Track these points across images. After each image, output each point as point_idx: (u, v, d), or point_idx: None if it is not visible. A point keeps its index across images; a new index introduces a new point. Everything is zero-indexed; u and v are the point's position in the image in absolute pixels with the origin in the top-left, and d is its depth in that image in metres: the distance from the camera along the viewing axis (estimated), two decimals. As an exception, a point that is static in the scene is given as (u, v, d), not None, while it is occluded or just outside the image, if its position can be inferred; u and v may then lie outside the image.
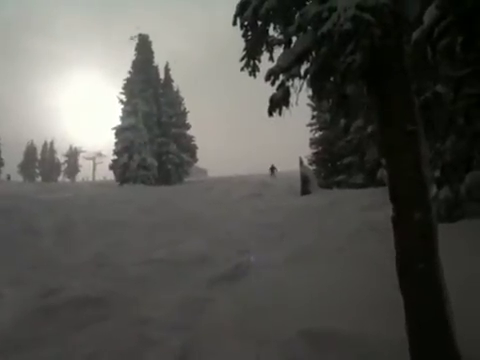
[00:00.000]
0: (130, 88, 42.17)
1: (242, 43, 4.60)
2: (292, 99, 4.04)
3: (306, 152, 31.30)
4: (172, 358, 4.49)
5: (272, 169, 42.65)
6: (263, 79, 4.24)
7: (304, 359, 4.14)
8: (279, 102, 3.98)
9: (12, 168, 78.30)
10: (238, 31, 4.56)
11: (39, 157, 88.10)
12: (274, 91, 4.10)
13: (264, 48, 4.64)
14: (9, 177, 71.42)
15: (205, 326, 5.36)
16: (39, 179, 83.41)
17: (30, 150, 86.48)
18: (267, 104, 4.11)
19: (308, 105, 28.22)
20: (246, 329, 5.01)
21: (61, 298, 6.81)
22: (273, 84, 4.08)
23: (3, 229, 13.46)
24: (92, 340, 5.24)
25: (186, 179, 45.09)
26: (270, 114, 4.08)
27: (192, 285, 7.53)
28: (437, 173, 9.46)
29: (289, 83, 4.03)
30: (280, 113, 4.04)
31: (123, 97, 42.55)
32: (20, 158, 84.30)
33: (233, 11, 4.51)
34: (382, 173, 16.47)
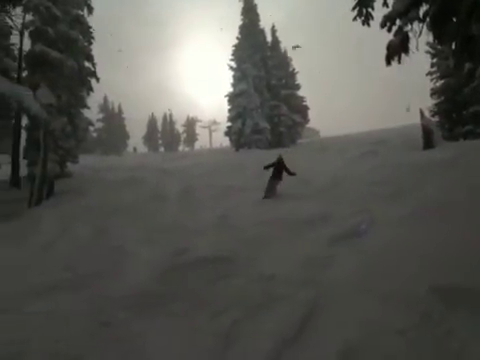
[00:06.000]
0: (239, 54, 42.47)
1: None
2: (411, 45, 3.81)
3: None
4: (300, 312, 4.61)
5: (278, 166, 14.66)
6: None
7: (436, 315, 4.02)
8: (398, 49, 3.77)
9: (137, 140, 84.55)
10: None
11: (160, 128, 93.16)
12: (391, 38, 3.89)
13: (377, -6, 4.40)
14: (135, 149, 77.09)
15: (329, 282, 5.40)
16: (162, 149, 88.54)
17: (152, 122, 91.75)
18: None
19: (427, 53, 26.27)
20: (372, 285, 4.97)
21: (190, 257, 7.29)
22: (390, 30, 3.87)
23: (135, 196, 14.68)
24: (221, 295, 5.57)
25: (299, 141, 44.81)
26: (388, 62, 3.89)
27: (312, 243, 7.58)
28: None
29: (407, 28, 3.79)
30: (399, 61, 3.83)
31: (233, 64, 43.12)
32: (144, 130, 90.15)
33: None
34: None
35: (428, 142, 19.64)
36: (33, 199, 15.53)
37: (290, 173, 14.40)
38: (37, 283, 6.61)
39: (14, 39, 20.21)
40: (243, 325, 4.60)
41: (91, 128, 35.95)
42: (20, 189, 19.98)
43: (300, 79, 46.54)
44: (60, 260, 8.06)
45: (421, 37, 4.28)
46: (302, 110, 45.31)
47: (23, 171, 20.69)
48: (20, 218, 12.81)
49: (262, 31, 44.92)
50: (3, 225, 11.72)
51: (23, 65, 20.12)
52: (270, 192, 13.75)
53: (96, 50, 23.61)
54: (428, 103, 27.72)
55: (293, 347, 4.04)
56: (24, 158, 20.58)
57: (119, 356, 4.21)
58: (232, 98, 41.71)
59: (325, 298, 4.89)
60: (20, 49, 20.76)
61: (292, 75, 45.67)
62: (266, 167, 14.90)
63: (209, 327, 4.64)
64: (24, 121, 20.52)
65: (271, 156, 27.16)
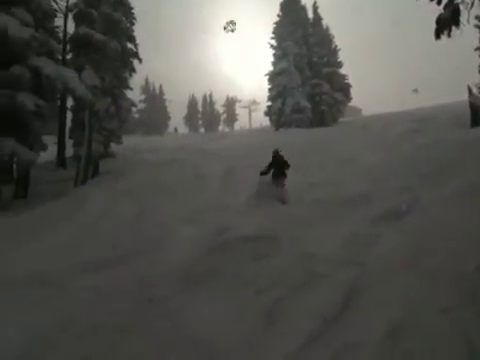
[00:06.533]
0: (279, 32, 41.86)
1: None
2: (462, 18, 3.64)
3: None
4: (342, 291, 4.59)
5: (277, 162, 11.91)
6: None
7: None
8: (448, 22, 3.61)
9: (178, 121, 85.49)
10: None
11: (200, 109, 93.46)
12: (441, 11, 3.73)
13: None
14: (176, 130, 77.96)
15: (373, 261, 5.35)
16: (202, 130, 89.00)
17: (192, 103, 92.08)
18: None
19: (475, 26, 25.12)
20: (417, 263, 4.89)
21: (232, 236, 7.34)
22: (439, 3, 3.71)
23: (176, 177, 14.91)
24: (263, 273, 5.60)
25: (341, 119, 43.99)
26: (437, 36, 3.74)
27: (356, 222, 7.51)
28: None
29: (458, 0, 3.62)
30: (449, 34, 3.68)
31: (273, 42, 42.57)
32: (184, 111, 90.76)
33: None
34: None
35: (476, 119, 18.98)
36: (79, 178, 16.01)
37: (287, 166, 11.69)
38: (84, 260, 6.86)
39: (58, 21, 20.54)
40: (285, 303, 4.62)
41: (133, 109, 36.45)
42: (66, 169, 20.64)
43: (341, 57, 45.33)
44: (106, 238, 8.31)
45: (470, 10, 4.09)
46: (344, 88, 44.31)
47: (69, 151, 21.30)
48: (67, 197, 13.24)
49: (303, 8, 44.01)
50: (51, 204, 12.15)
51: (67, 47, 20.54)
52: (284, 197, 10.85)
53: (137, 31, 23.89)
54: (475, 79, 26.59)
55: (335, 326, 4.03)
56: (70, 138, 21.18)
57: (163, 330, 4.32)
58: (272, 77, 41.31)
59: (368, 277, 4.85)
60: (64, 31, 21.12)
61: (334, 52, 44.64)
62: (264, 172, 11.90)
63: (252, 305, 4.68)
64: (69, 102, 21.05)
65: (311, 135, 26.93)
